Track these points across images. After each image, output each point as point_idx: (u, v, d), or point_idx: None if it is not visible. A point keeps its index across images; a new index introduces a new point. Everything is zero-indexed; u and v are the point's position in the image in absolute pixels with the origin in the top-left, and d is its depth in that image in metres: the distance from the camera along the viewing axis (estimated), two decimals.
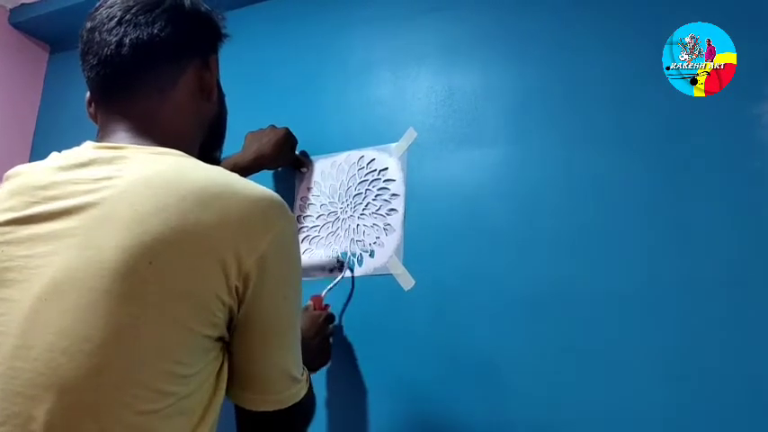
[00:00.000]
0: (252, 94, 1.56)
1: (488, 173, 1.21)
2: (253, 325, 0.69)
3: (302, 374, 0.77)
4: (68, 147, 0.77)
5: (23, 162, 1.94)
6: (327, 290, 1.24)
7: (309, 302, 1.21)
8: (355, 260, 1.27)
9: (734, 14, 1.07)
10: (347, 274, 1.27)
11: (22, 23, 1.95)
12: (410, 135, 1.31)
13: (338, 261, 1.27)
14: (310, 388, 0.81)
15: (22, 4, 1.93)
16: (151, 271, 0.61)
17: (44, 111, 2.01)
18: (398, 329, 1.22)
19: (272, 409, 0.73)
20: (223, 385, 0.71)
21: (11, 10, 1.95)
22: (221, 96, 0.88)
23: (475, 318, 1.15)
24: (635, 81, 1.11)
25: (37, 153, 1.94)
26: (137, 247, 0.61)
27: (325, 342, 1.16)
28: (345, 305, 1.27)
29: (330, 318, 1.19)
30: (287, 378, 0.74)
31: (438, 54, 1.34)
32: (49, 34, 1.99)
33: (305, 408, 0.79)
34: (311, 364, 1.06)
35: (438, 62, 1.33)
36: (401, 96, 1.36)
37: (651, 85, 1.09)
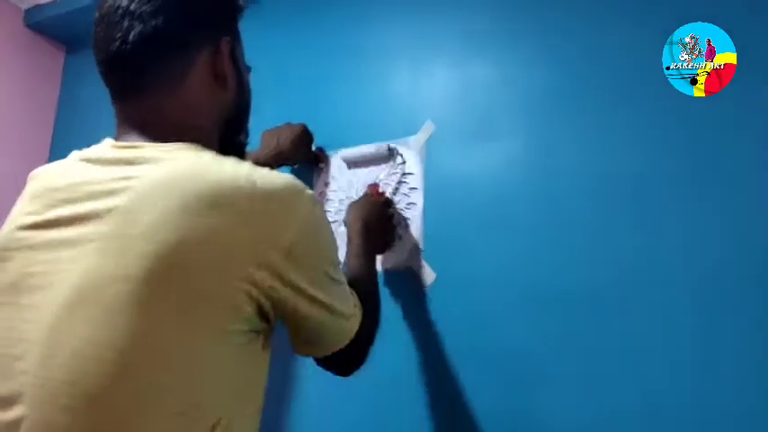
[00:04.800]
0: (268, 89, 1.55)
1: (509, 165, 1.19)
2: (301, 305, 0.70)
3: (354, 305, 0.81)
4: (88, 144, 0.77)
5: (43, 163, 1.96)
6: (383, 178, 1.32)
7: (368, 190, 1.30)
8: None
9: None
10: (398, 160, 1.31)
11: (38, 24, 1.96)
12: (428, 128, 1.30)
13: (389, 149, 1.31)
14: (369, 296, 0.89)
15: (37, 5, 1.94)
16: (174, 275, 0.60)
17: (62, 111, 2.02)
18: (420, 324, 1.21)
19: (339, 348, 0.79)
20: (261, 367, 0.73)
21: (26, 11, 1.96)
22: (240, 77, 0.83)
23: (497, 310, 1.14)
24: (656, 75, 1.09)
25: (55, 153, 1.96)
26: (159, 252, 0.60)
27: (388, 225, 1.25)
28: (396, 189, 1.31)
29: (388, 202, 1.27)
30: (343, 321, 0.78)
31: (456, 46, 1.32)
32: (64, 34, 2.00)
33: (367, 324, 0.84)
34: (377, 246, 1.17)
35: (457, 54, 1.32)
36: (418, 89, 1.34)
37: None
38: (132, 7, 0.72)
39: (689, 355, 0.97)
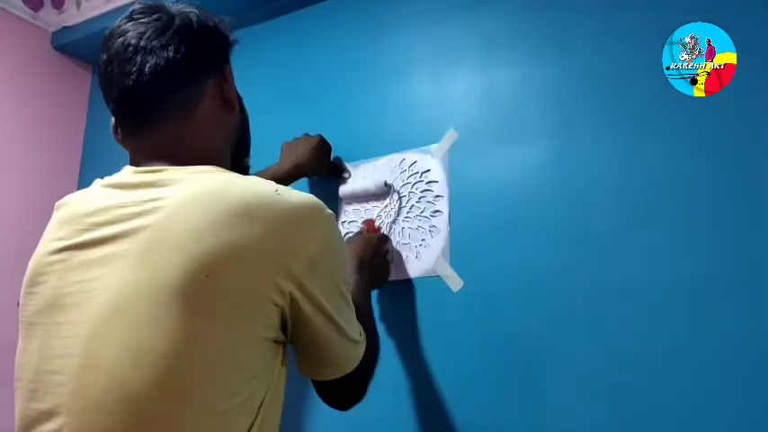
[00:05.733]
0: (290, 102, 1.57)
1: (532, 170, 1.19)
2: (315, 317, 0.73)
3: (360, 334, 0.83)
4: (117, 165, 0.79)
5: (73, 183, 1.98)
6: (379, 213, 1.33)
7: (363, 226, 1.28)
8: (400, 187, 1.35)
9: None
10: (395, 196, 1.32)
11: (65, 46, 2.00)
12: (451, 136, 1.30)
13: (386, 185, 1.32)
14: (370, 333, 0.88)
15: (64, 27, 1.97)
16: (208, 284, 0.64)
17: (90, 130, 2.05)
18: (449, 331, 1.21)
19: (346, 373, 0.80)
20: (281, 381, 0.76)
21: (53, 33, 2.00)
22: (240, 101, 0.89)
23: (526, 317, 1.13)
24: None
25: (86, 173, 1.99)
26: (192, 264, 0.64)
27: (383, 261, 1.22)
28: (392, 223, 1.32)
29: (384, 238, 1.25)
30: (352, 346, 0.80)
31: (476, 51, 1.32)
32: (91, 54, 2.03)
33: (369, 357, 0.84)
34: (372, 282, 1.15)
35: (476, 59, 1.32)
36: (440, 96, 1.35)
37: None
38: (142, 44, 0.76)
39: (729, 361, 0.96)
